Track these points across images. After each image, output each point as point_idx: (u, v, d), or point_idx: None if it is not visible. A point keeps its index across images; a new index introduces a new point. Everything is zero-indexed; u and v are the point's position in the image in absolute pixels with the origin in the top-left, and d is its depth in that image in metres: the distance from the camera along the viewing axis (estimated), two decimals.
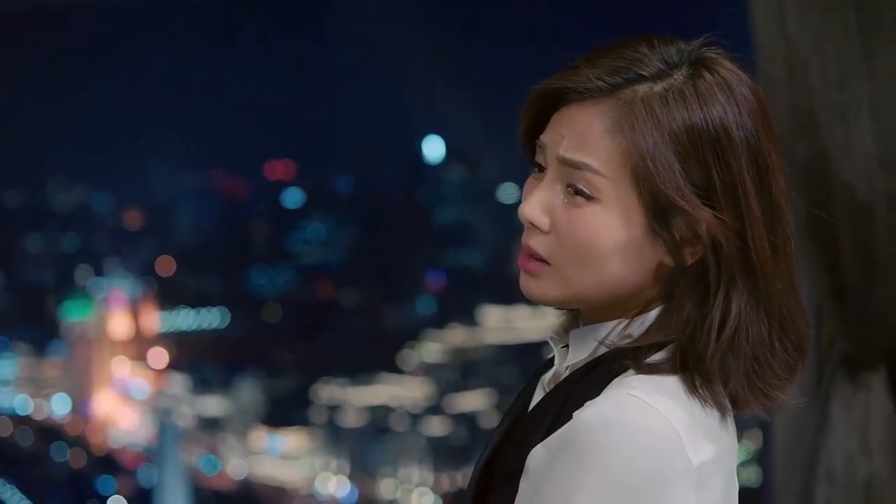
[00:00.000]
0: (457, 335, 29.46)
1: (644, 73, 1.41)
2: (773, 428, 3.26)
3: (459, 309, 29.79)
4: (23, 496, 27.08)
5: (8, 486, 27.36)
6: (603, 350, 1.45)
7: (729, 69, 1.44)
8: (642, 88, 1.40)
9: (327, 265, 32.28)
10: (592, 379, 1.43)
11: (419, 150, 32.91)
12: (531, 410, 1.52)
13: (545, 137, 1.46)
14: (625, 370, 1.40)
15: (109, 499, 28.38)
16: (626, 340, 1.43)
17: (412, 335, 29.62)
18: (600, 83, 1.41)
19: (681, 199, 1.38)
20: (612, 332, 1.45)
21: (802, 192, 2.76)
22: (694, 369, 1.39)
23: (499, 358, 28.53)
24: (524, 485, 1.39)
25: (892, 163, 2.86)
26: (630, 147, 1.39)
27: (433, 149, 32.64)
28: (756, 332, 1.40)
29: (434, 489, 27.60)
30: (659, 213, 1.39)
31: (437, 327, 29.87)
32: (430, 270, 31.82)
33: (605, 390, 1.39)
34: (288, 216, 32.63)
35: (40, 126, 34.26)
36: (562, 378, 1.50)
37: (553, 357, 1.59)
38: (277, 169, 33.14)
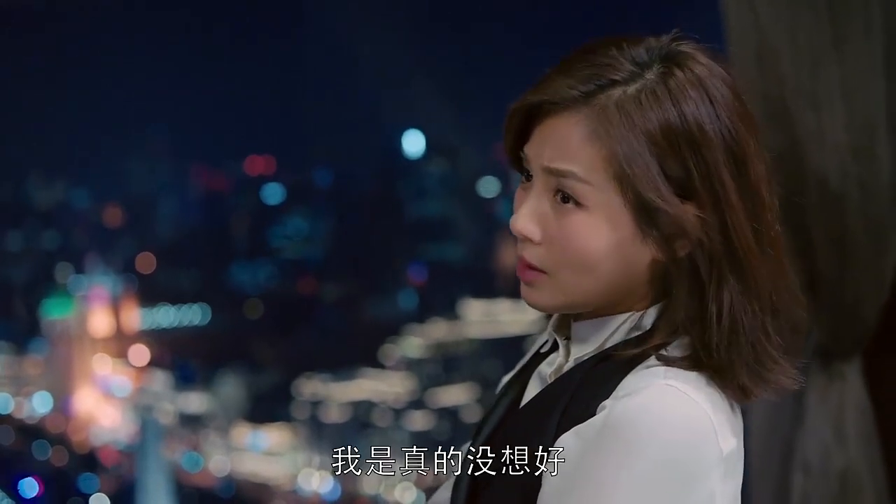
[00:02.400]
0: (438, 329, 29.44)
1: (616, 77, 1.43)
2: (750, 419, 3.25)
3: (441, 303, 29.78)
4: (4, 495, 26.99)
5: None
6: (613, 342, 1.48)
7: (700, 62, 1.47)
8: (616, 93, 1.42)
9: (308, 260, 32.23)
10: (605, 370, 1.45)
11: (399, 144, 32.88)
12: (532, 401, 1.54)
13: (529, 150, 1.48)
14: (641, 362, 1.43)
15: (92, 497, 28.29)
16: (636, 333, 1.47)
17: (394, 330, 29.59)
18: (574, 92, 1.43)
19: (661, 200, 1.40)
20: (622, 325, 1.48)
21: (774, 181, 2.75)
22: (709, 364, 1.42)
23: (481, 352, 28.52)
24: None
25: (864, 150, 2.85)
26: (609, 153, 1.41)
27: (413, 143, 32.60)
28: (750, 321, 1.43)
29: (417, 484, 27.61)
30: (644, 213, 1.41)
31: (419, 322, 29.85)
32: (411, 264, 31.80)
33: (625, 381, 1.41)
34: (268, 212, 32.55)
35: (19, 123, 34.13)
36: (565, 369, 1.52)
37: (545, 350, 1.60)
38: (257, 164, 33.06)
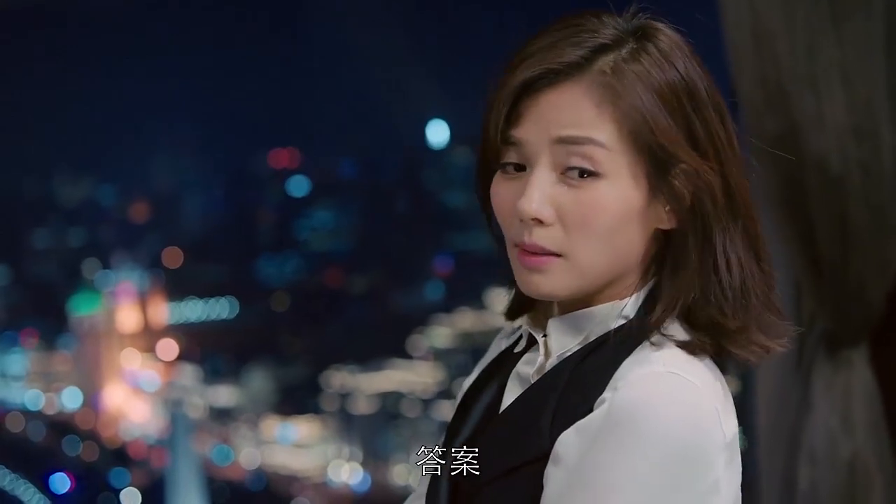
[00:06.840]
0: (465, 319, 29.40)
1: (606, 41, 1.42)
2: (755, 409, 3.21)
3: (468, 293, 29.73)
4: (36, 490, 27.17)
5: (21, 480, 27.46)
6: (598, 333, 1.43)
7: (669, 31, 1.47)
8: (612, 56, 1.41)
9: (335, 252, 32.26)
10: (596, 362, 1.40)
11: (423, 134, 32.87)
12: (516, 402, 1.48)
13: (523, 133, 1.44)
14: (634, 349, 1.39)
15: (123, 491, 28.45)
16: (621, 322, 1.42)
17: (421, 320, 29.57)
18: (573, 58, 1.41)
19: (680, 150, 1.38)
20: (607, 315, 1.43)
21: (774, 166, 2.70)
22: (711, 336, 1.39)
23: None
24: (556, 473, 1.35)
25: (864, 132, 2.80)
26: (625, 110, 1.39)
27: (437, 133, 32.57)
28: (757, 274, 1.42)
29: None
30: (660, 172, 1.39)
31: (446, 312, 29.82)
32: (437, 255, 31.79)
33: (621, 371, 1.37)
34: (294, 204, 32.61)
35: (45, 120, 34.33)
36: (548, 367, 1.46)
37: (519, 349, 1.55)
38: (282, 157, 33.13)
